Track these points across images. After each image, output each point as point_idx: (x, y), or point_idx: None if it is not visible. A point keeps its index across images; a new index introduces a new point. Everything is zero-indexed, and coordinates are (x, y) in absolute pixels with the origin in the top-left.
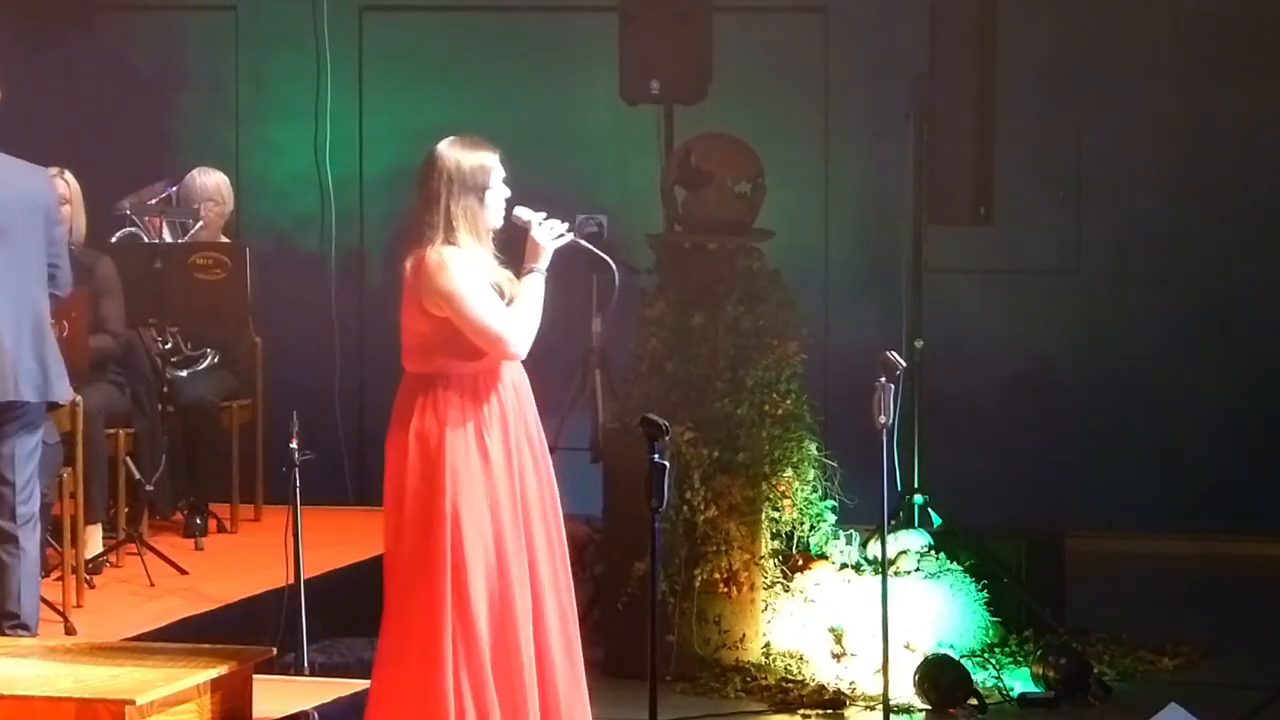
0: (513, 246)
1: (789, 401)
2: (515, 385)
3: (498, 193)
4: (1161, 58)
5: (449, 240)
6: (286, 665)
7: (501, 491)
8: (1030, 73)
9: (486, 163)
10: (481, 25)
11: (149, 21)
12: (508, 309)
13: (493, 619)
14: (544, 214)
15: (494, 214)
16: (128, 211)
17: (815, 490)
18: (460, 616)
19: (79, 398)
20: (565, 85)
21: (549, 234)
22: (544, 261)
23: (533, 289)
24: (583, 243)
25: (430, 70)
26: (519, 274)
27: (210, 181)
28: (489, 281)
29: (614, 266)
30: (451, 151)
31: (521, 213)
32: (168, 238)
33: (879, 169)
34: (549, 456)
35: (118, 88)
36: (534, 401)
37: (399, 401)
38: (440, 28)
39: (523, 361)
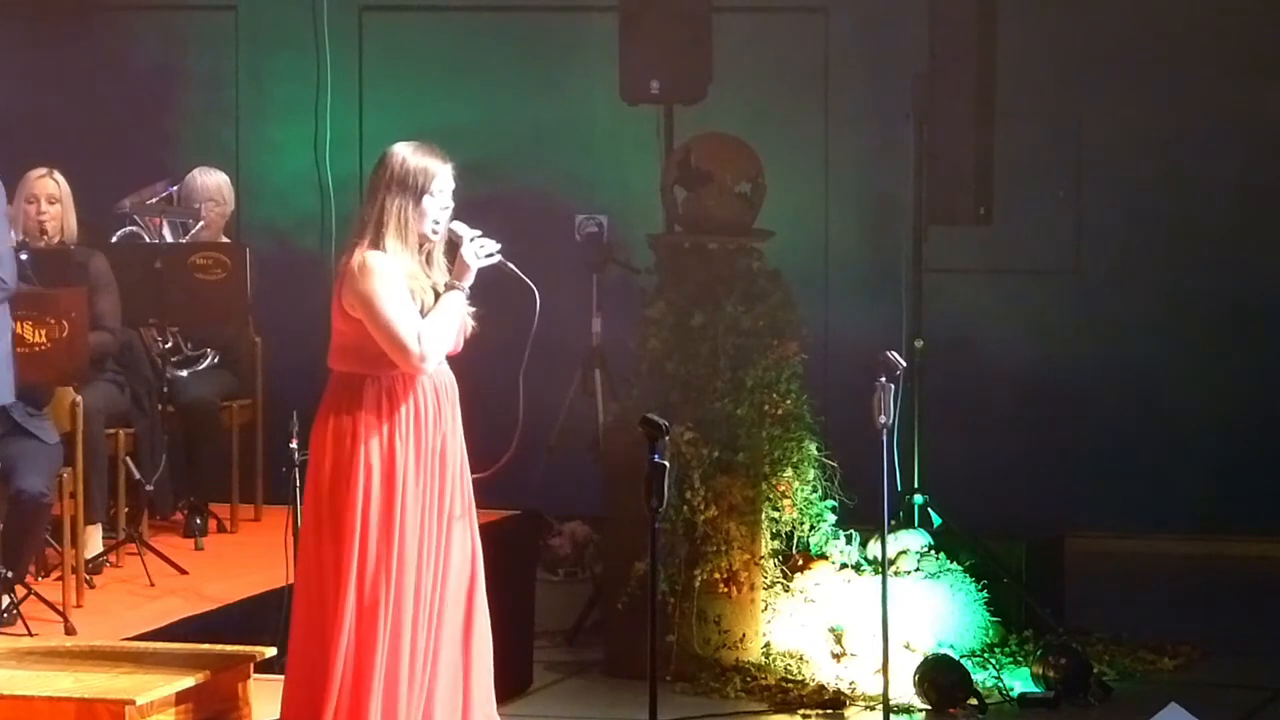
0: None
1: (789, 401)
2: (437, 390)
3: (438, 201)
4: (1162, 57)
5: (376, 243)
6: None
7: (410, 498)
8: (1030, 73)
9: (431, 168)
10: (481, 25)
11: (149, 21)
12: (420, 321)
13: (391, 624)
14: (479, 232)
15: (429, 222)
16: (128, 211)
17: (815, 490)
18: (359, 617)
19: (79, 397)
20: (565, 85)
21: (478, 252)
22: (468, 280)
23: (449, 304)
24: (510, 266)
25: (430, 70)
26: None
27: (211, 181)
28: (406, 290)
29: (536, 293)
30: (400, 152)
31: (457, 227)
32: (168, 237)
33: (879, 169)
34: (467, 464)
35: (118, 88)
36: (458, 407)
37: (323, 399)
38: (440, 28)
39: (458, 365)
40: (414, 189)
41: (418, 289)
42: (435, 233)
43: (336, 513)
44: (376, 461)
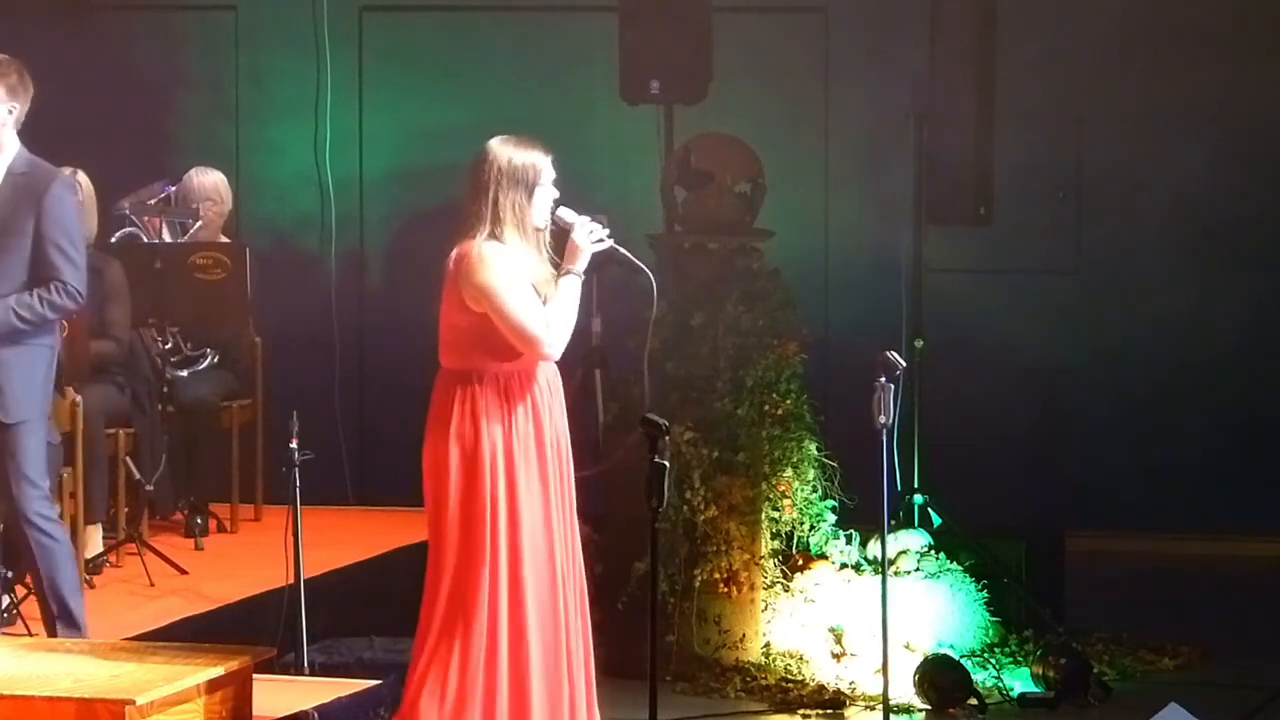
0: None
1: (789, 401)
2: (550, 384)
3: (546, 192)
4: (1162, 57)
5: (494, 234)
6: (286, 665)
7: (536, 490)
8: (1030, 73)
9: (538, 162)
10: (481, 25)
11: (149, 21)
12: (543, 309)
13: (540, 614)
14: (587, 217)
15: (539, 213)
16: (127, 211)
17: (815, 490)
18: (513, 610)
19: (79, 397)
20: (565, 85)
21: (589, 237)
22: (581, 264)
23: (568, 290)
24: (622, 250)
25: (430, 70)
26: (558, 275)
27: (208, 181)
28: (528, 280)
29: (651, 277)
30: (504, 148)
31: (564, 214)
32: (167, 238)
33: (879, 169)
34: (571, 456)
35: (118, 88)
36: (564, 401)
37: (435, 399)
38: (440, 28)
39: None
40: (526, 184)
41: (540, 279)
42: (551, 222)
43: (467, 517)
44: (502, 456)
